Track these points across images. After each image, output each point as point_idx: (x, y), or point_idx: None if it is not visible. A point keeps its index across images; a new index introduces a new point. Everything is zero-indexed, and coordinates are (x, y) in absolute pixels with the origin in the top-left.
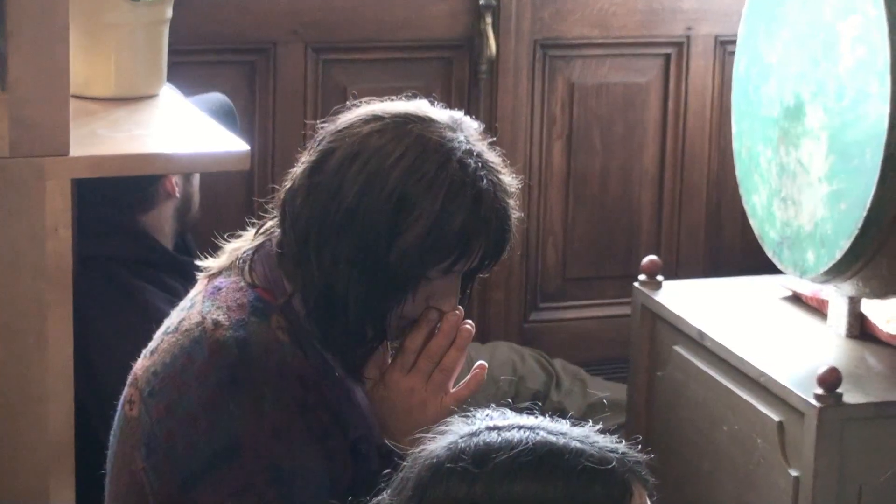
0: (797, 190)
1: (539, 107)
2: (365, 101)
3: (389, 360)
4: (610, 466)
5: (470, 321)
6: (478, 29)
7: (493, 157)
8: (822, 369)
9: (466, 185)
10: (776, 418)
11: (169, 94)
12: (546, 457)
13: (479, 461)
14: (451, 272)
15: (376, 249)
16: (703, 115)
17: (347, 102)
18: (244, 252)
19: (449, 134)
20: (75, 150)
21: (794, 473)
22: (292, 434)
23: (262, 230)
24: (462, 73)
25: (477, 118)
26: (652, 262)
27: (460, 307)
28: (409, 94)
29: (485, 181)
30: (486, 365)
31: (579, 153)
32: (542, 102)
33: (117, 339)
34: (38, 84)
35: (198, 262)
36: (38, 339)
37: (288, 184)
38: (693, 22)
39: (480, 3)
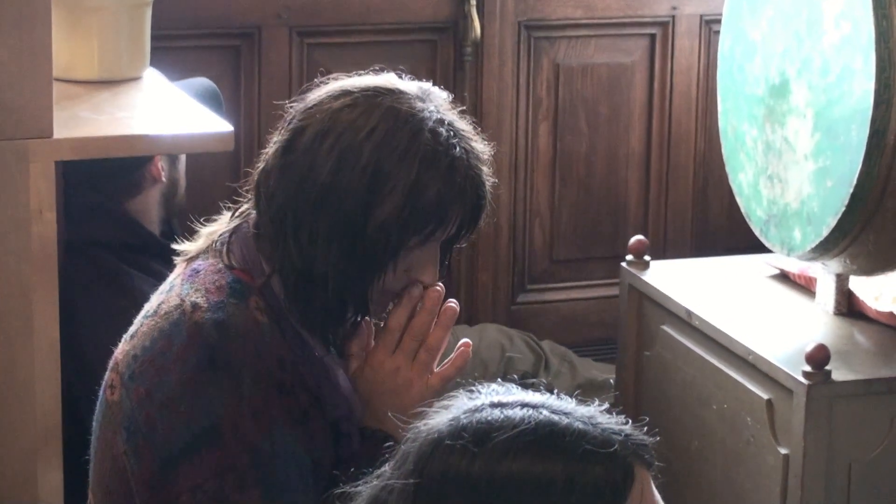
0: (783, 168)
1: (524, 88)
2: (333, 78)
3: (373, 342)
4: (612, 450)
5: (454, 300)
6: (462, 11)
7: (464, 125)
8: (810, 347)
9: (440, 153)
10: (765, 396)
11: (152, 76)
12: (547, 437)
13: (480, 439)
14: (429, 241)
15: (353, 224)
16: (689, 94)
17: (316, 80)
18: (221, 235)
19: (419, 104)
20: (59, 133)
21: (783, 451)
22: (272, 415)
23: (237, 213)
24: (447, 55)
25: (462, 100)
26: (639, 241)
27: (441, 284)
28: (377, 69)
29: (457, 149)
30: (471, 342)
31: (565, 134)
32: (528, 84)
33: (104, 323)
34: (20, 67)
35: (174, 246)
36: (24, 322)
37: (260, 165)
38: (678, 1)
39: None
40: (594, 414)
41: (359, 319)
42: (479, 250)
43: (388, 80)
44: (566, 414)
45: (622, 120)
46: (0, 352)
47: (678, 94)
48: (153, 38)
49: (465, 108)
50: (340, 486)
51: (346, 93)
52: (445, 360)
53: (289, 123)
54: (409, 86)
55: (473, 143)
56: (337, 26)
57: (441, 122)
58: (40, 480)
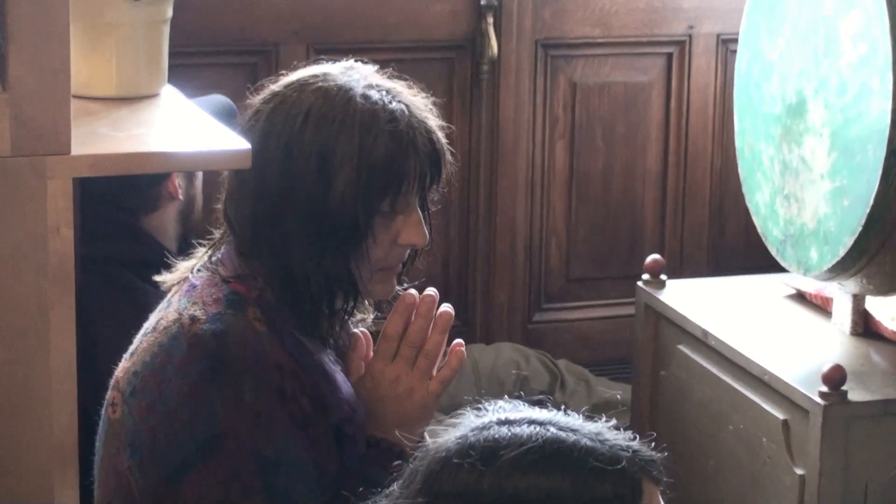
0: (800, 187)
1: (541, 107)
2: (259, 87)
3: (372, 354)
4: (620, 466)
5: (448, 304)
6: (479, 29)
7: (396, 84)
8: (826, 367)
9: (377, 112)
10: (781, 417)
11: (170, 93)
12: (555, 454)
13: (488, 457)
14: (399, 201)
15: (315, 208)
16: (706, 113)
17: (247, 96)
18: (210, 256)
19: (344, 78)
20: (77, 150)
21: (799, 472)
22: (274, 422)
23: (213, 244)
24: (464, 73)
25: (479, 118)
26: (655, 261)
27: (434, 289)
28: (296, 65)
29: (394, 104)
30: (463, 342)
31: (582, 153)
32: (544, 102)
33: (120, 341)
34: (39, 83)
35: (156, 278)
36: (41, 339)
37: (223, 195)
38: (695, 20)
39: (482, 3)
40: (602, 430)
41: (353, 304)
42: (495, 269)
43: (310, 69)
44: (573, 431)
45: (639, 138)
46: (16, 369)
47: (695, 113)
48: (171, 55)
49: (393, 69)
50: None
51: (274, 94)
52: (441, 364)
53: None
54: (333, 67)
55: (411, 98)
56: (354, 44)
57: (370, 86)
58: (56, 498)
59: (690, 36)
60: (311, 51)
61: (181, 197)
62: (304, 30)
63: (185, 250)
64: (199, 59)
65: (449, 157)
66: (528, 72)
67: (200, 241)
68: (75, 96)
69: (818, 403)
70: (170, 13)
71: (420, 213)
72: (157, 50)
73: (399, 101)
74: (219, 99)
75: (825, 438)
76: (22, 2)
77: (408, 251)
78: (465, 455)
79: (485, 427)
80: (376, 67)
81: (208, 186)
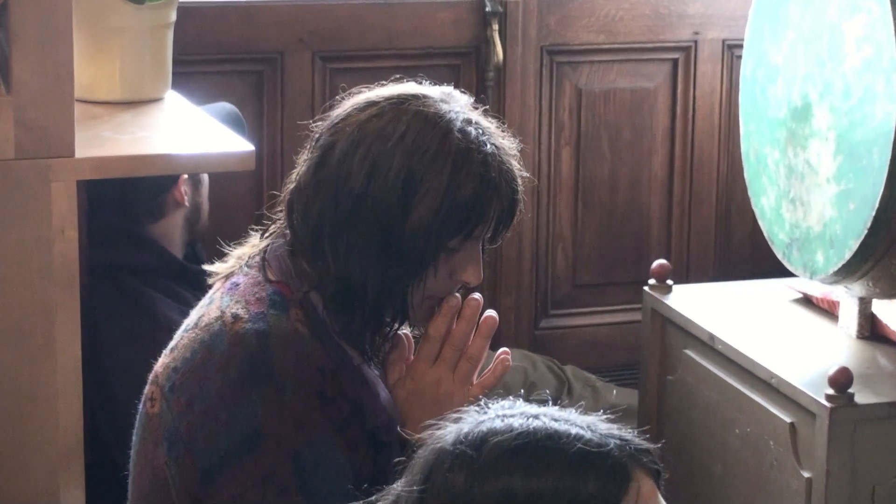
0: (805, 191)
1: (547, 113)
2: (355, 92)
3: (413, 356)
4: (607, 450)
5: (493, 310)
6: (484, 36)
7: (490, 124)
8: (833, 370)
9: (472, 151)
10: (788, 420)
11: (174, 97)
12: (543, 440)
13: (478, 444)
14: (469, 240)
15: (389, 230)
16: (712, 119)
17: (338, 97)
18: (257, 252)
19: (444, 107)
20: (81, 153)
21: (806, 475)
22: (313, 424)
23: (267, 234)
24: (469, 80)
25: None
26: (662, 266)
27: (479, 294)
28: (397, 77)
29: (488, 146)
30: (510, 350)
31: (588, 159)
32: (550, 109)
33: (127, 346)
34: (42, 86)
35: (206, 267)
36: (46, 340)
37: (292, 185)
38: (700, 26)
39: (487, 10)
40: (594, 421)
41: (399, 326)
42: (501, 275)
43: (410, 87)
44: (566, 420)
45: (645, 144)
46: (23, 370)
47: (700, 119)
48: (177, 63)
49: (487, 107)
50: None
51: (371, 103)
52: (485, 370)
53: (317, 141)
54: (432, 90)
55: (502, 140)
56: (359, 51)
57: (468, 121)
58: (63, 497)
59: (696, 42)
60: (317, 58)
61: (187, 204)
62: (309, 37)
63: (191, 257)
64: (203, 67)
65: (522, 206)
66: (534, 78)
67: (254, 227)
68: (79, 100)
69: (825, 406)
70: (173, 18)
71: (480, 254)
72: (160, 54)
73: (492, 143)
74: (224, 106)
75: (832, 441)
76: (25, 4)
77: (459, 286)
78: (458, 443)
79: (482, 421)
80: (472, 99)
81: (214, 194)
